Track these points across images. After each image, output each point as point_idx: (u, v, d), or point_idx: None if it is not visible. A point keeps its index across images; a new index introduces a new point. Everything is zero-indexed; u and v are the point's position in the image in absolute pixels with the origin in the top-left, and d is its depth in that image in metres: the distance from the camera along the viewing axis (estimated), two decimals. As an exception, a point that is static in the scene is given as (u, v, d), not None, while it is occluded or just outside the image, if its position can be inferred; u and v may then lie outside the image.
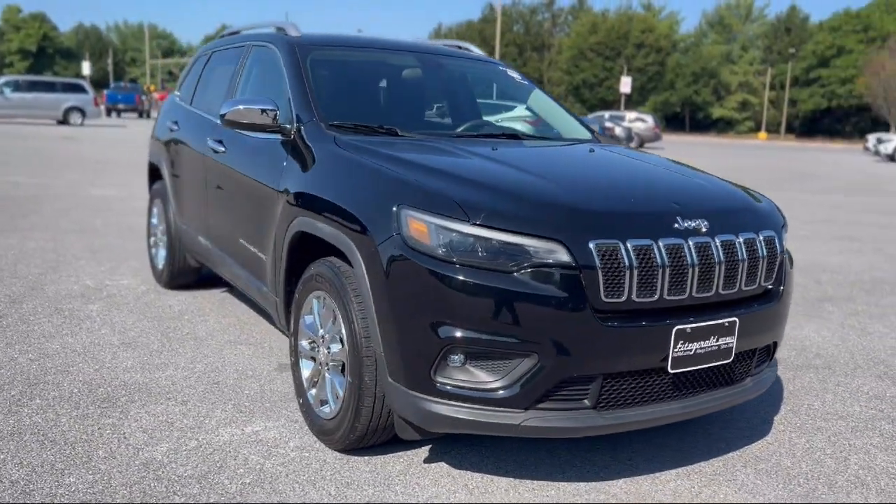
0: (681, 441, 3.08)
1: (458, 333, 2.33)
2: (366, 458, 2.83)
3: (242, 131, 3.50)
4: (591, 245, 2.33)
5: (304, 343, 3.08)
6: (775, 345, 2.90)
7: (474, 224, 2.34)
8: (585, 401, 2.42)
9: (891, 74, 59.62)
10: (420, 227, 2.41)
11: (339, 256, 2.83)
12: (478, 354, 2.37)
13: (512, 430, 2.38)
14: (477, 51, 4.49)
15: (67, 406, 3.18)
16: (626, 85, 60.75)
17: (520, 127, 3.97)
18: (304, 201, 2.98)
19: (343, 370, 2.80)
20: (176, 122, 4.76)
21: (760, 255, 2.66)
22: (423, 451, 2.90)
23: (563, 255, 2.31)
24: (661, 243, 2.42)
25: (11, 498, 2.46)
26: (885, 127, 60.68)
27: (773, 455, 3.01)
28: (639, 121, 36.15)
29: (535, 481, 2.71)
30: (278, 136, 3.37)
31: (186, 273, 5.01)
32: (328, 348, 2.87)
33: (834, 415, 3.47)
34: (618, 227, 2.39)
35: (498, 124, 3.93)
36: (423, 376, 2.41)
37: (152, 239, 5.32)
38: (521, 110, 4.37)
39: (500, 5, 48.22)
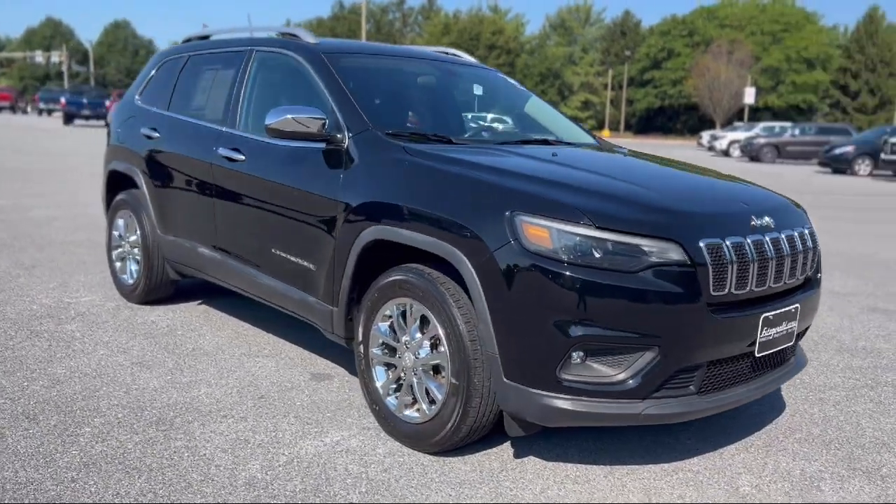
0: (721, 420, 3.39)
1: (584, 332, 2.49)
2: (461, 458, 2.92)
3: (278, 140, 3.49)
4: (702, 244, 2.56)
5: (377, 350, 3.11)
6: (808, 327, 3.28)
7: (597, 227, 2.50)
8: (691, 387, 2.65)
9: (715, 76, 64.96)
10: (539, 232, 2.54)
11: (426, 263, 2.90)
12: (598, 350, 2.54)
13: (633, 420, 2.57)
14: (468, 57, 4.62)
15: (124, 431, 3.03)
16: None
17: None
18: (380, 211, 3.01)
19: (436, 373, 2.88)
20: (155, 129, 4.54)
21: (809, 247, 3.01)
22: (507, 449, 3.02)
23: (679, 254, 2.53)
24: (748, 239, 2.69)
25: (132, 530, 2.35)
26: (711, 124, 66.02)
27: (802, 425, 3.39)
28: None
29: (625, 466, 2.91)
30: (320, 146, 3.36)
31: (164, 287, 4.79)
32: (416, 353, 2.93)
33: (824, 386, 3.93)
34: (717, 227, 2.64)
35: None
36: (548, 374, 2.54)
37: (116, 252, 5.02)
38: None
39: (364, 3, 47.93)
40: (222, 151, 3.89)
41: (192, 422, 3.15)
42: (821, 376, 4.09)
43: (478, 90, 4.31)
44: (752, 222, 2.77)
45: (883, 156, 22.82)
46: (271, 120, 3.27)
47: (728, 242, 2.62)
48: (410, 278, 2.89)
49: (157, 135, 4.52)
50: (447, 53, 4.65)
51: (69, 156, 17.08)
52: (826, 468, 2.96)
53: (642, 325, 2.50)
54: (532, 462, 2.92)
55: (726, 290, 2.61)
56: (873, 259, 7.97)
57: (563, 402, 2.54)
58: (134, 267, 4.84)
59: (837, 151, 25.54)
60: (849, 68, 68.38)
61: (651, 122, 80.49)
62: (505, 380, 2.63)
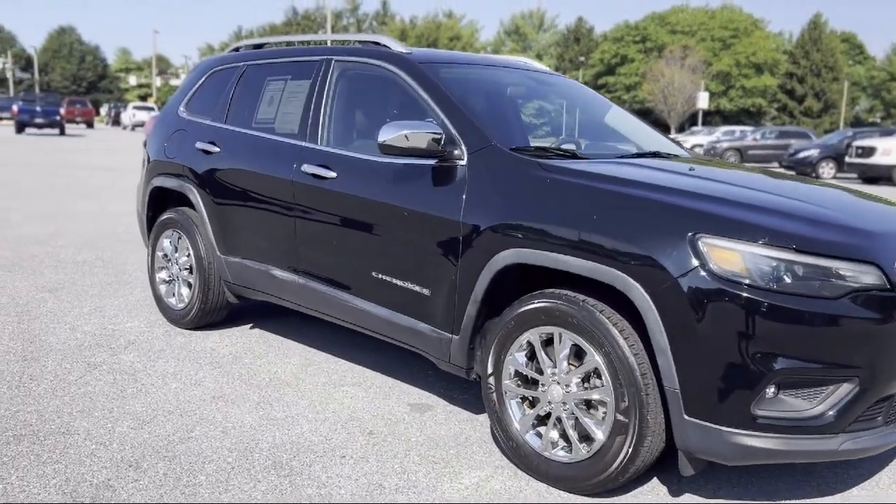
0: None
1: (785, 364, 2.33)
2: (618, 498, 2.73)
3: (379, 157, 3.28)
4: None
5: (509, 383, 2.90)
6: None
7: (795, 250, 2.35)
8: (879, 418, 2.51)
9: (668, 81, 66.09)
10: (729, 255, 2.37)
11: (572, 288, 2.71)
12: (793, 383, 2.38)
13: (830, 455, 2.42)
14: (539, 65, 4.42)
15: (243, 478, 2.76)
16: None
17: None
18: (520, 233, 2.80)
19: (590, 408, 2.69)
20: (213, 144, 4.25)
21: None
22: (657, 486, 2.84)
23: (877, 278, 2.38)
24: None
25: None
26: (666, 128, 67.17)
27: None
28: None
29: (787, 501, 2.76)
30: (430, 162, 3.15)
31: (218, 311, 4.50)
32: (566, 387, 2.73)
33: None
34: None
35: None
36: (741, 411, 2.37)
37: (162, 274, 4.70)
38: None
39: (330, 10, 47.42)
40: (308, 168, 3.63)
41: (310, 465, 2.90)
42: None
43: (566, 100, 4.13)
44: None
45: (848, 159, 23.36)
46: (386, 136, 3.05)
47: None
48: (560, 306, 2.69)
49: (216, 149, 4.23)
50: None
51: (31, 165, 16.36)
52: None
53: (842, 355, 2.36)
54: (692, 500, 2.75)
55: (914, 314, 2.48)
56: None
57: (757, 441, 2.37)
58: (185, 290, 4.53)
59: (801, 155, 26.13)
60: (795, 73, 70.16)
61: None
62: (686, 417, 2.45)
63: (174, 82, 79.31)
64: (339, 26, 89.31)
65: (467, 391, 3.72)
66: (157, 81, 78.77)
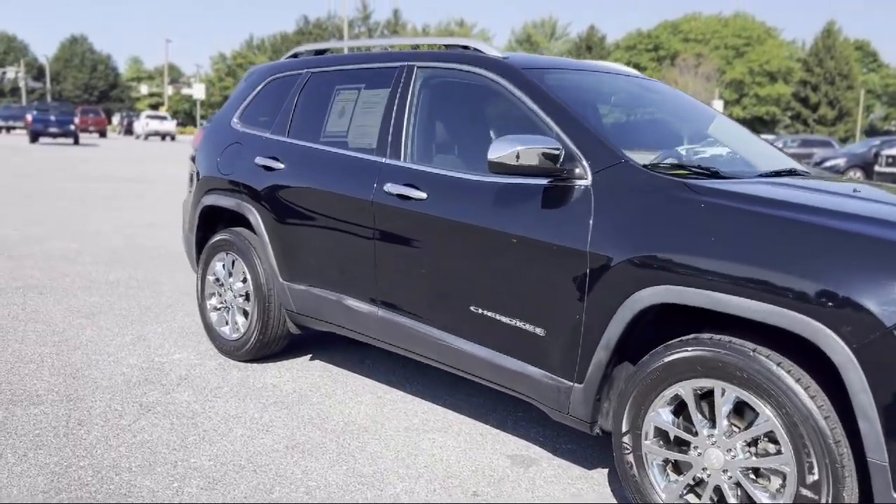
0: None
1: None
2: (790, 583, 2.29)
3: (480, 176, 2.88)
4: None
5: (651, 443, 2.48)
6: None
7: None
8: None
9: (682, 89, 65.55)
10: (953, 303, 1.94)
11: (731, 332, 2.29)
12: None
13: None
14: (630, 69, 4.00)
15: (344, 559, 2.34)
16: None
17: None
18: (667, 267, 2.38)
19: (759, 476, 2.27)
20: (276, 159, 3.84)
21: None
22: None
23: None
24: None
25: None
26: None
27: None
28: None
29: None
30: (541, 182, 2.75)
31: (278, 341, 4.09)
32: (728, 452, 2.30)
33: None
34: None
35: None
36: (972, 492, 1.94)
37: (213, 300, 4.29)
38: None
39: (346, 18, 47.27)
40: (391, 188, 3.22)
41: (418, 538, 2.48)
42: None
43: (671, 109, 3.72)
44: None
45: (878, 168, 22.81)
46: (497, 153, 2.65)
47: None
48: (723, 355, 2.26)
49: (280, 165, 3.82)
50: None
51: (44, 173, 16.04)
52: None
53: None
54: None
55: None
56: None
57: None
58: (240, 319, 4.12)
59: (828, 164, 25.59)
60: (809, 81, 69.65)
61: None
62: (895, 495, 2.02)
63: (186, 91, 79.39)
64: (350, 35, 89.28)
65: (571, 440, 3.29)
66: (169, 90, 78.88)
